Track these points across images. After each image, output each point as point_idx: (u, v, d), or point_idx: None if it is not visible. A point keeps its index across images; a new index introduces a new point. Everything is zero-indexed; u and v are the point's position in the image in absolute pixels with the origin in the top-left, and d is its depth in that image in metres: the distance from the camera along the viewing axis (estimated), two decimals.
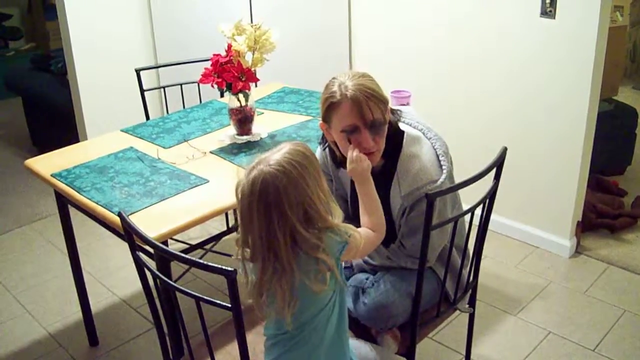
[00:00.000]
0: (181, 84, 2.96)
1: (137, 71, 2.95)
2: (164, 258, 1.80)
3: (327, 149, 1.92)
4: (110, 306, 2.92)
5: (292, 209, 1.38)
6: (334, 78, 1.74)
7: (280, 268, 1.40)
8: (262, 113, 2.73)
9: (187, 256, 1.44)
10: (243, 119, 2.43)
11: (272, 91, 3.02)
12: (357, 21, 3.67)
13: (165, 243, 1.91)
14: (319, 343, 1.50)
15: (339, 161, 1.87)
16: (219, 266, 1.35)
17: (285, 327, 1.46)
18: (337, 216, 1.47)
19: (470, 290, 2.06)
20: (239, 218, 1.44)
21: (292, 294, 1.42)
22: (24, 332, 2.76)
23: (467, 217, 1.82)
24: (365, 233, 1.61)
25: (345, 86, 1.69)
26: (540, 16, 2.85)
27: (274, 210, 1.37)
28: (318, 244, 1.41)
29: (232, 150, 2.38)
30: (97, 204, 2.01)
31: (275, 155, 1.41)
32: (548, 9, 2.81)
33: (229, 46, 2.33)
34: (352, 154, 1.69)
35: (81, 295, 2.59)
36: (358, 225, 1.87)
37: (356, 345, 1.75)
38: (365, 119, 1.69)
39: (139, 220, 1.83)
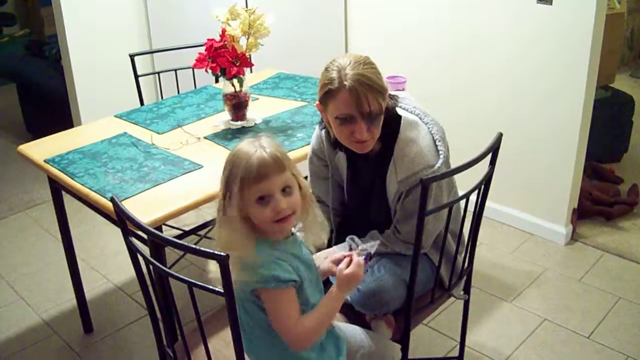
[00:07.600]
0: (176, 70, 2.94)
1: (132, 56, 2.93)
2: (157, 244, 1.78)
3: (324, 130, 1.91)
4: (104, 293, 2.91)
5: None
6: (334, 60, 1.71)
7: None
8: (257, 99, 2.72)
9: (179, 241, 1.43)
10: (237, 105, 2.42)
11: (267, 77, 3.00)
12: (352, 5, 3.65)
13: (159, 229, 1.90)
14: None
15: (333, 141, 1.86)
16: (211, 251, 1.34)
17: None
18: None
19: (465, 277, 2.05)
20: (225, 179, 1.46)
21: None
22: (18, 319, 2.75)
23: (462, 203, 1.81)
24: (299, 320, 1.46)
25: (344, 74, 1.66)
26: (537, 2, 2.83)
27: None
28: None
29: (226, 136, 2.37)
30: (90, 189, 2.00)
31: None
32: None
33: (223, 31, 2.31)
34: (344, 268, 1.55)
35: (75, 282, 2.58)
36: (353, 213, 1.86)
37: (350, 332, 1.74)
38: (361, 110, 1.67)
39: (132, 206, 1.82)
